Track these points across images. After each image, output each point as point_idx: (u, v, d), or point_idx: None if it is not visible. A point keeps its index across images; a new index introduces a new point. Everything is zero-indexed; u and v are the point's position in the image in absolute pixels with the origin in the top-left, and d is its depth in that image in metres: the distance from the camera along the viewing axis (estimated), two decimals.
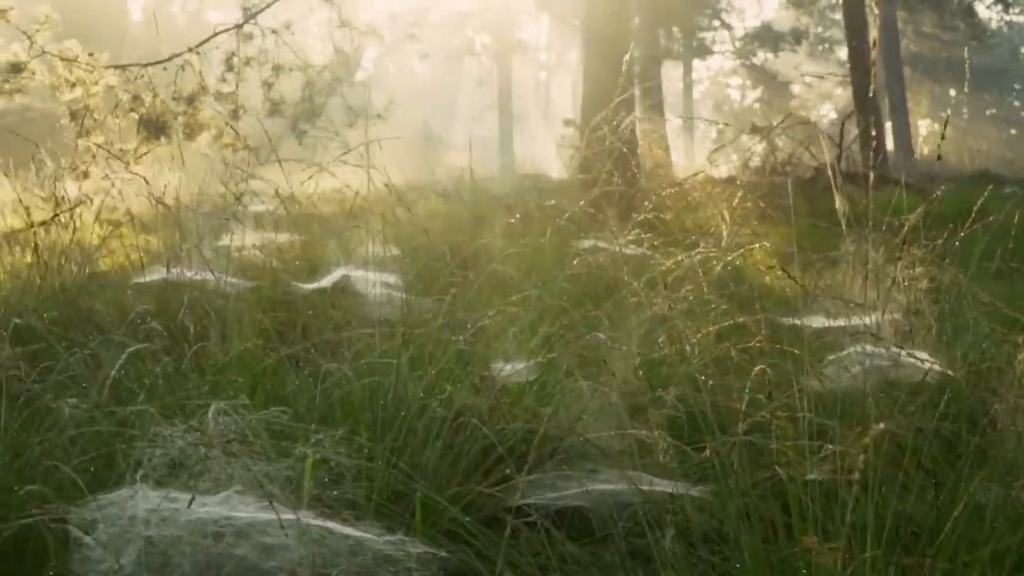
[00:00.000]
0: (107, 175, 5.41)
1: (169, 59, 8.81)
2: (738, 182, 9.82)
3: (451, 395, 1.88)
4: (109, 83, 8.81)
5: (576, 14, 28.81)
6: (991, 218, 2.76)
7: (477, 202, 9.87)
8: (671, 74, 26.85)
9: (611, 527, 1.86)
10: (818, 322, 2.82)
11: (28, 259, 5.73)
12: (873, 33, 16.06)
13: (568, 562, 1.66)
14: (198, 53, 8.83)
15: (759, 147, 13.22)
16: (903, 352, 2.21)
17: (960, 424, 1.91)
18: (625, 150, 9.53)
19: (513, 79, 27.84)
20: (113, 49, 9.32)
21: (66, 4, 9.88)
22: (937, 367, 2.20)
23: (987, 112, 31.37)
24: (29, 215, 4.08)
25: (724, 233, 5.96)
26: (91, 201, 5.08)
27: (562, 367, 2.01)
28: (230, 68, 9.20)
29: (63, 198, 4.77)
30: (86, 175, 8.77)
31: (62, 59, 8.61)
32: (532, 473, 1.96)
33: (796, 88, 30.62)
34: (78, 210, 8.36)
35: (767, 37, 26.75)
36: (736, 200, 5.99)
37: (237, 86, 9.10)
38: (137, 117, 8.81)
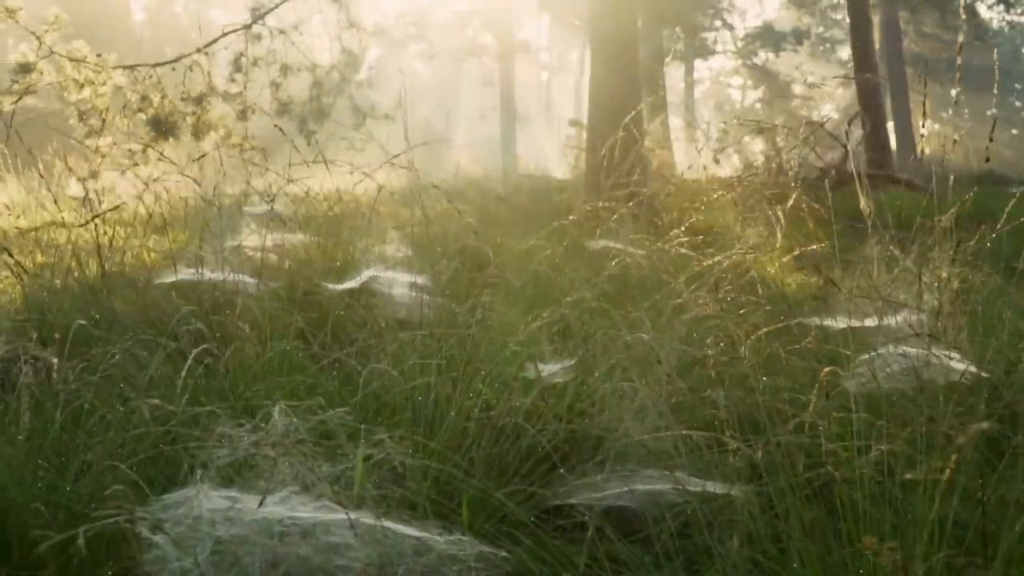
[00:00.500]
0: (157, 177, 5.37)
1: (177, 59, 8.81)
2: (743, 182, 9.81)
3: (500, 397, 1.89)
4: (117, 83, 8.82)
5: (577, 14, 28.84)
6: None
7: (484, 202, 9.89)
8: (672, 74, 26.87)
9: (653, 527, 1.87)
10: (845, 323, 2.82)
11: (40, 259, 5.74)
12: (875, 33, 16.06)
13: (618, 562, 1.67)
14: (206, 54, 8.84)
15: (761, 147, 13.24)
16: (939, 352, 2.22)
17: (1002, 424, 1.92)
18: (632, 151, 9.56)
19: (515, 79, 27.86)
20: (116, 48, 9.32)
21: (68, 3, 9.87)
22: (972, 368, 2.21)
23: (988, 112, 31.36)
24: (62, 214, 4.07)
25: (736, 233, 5.99)
26: (122, 203, 5.07)
27: (604, 367, 2.02)
28: (238, 68, 9.21)
29: (93, 200, 4.76)
30: (95, 175, 8.79)
31: (71, 59, 8.61)
32: (574, 473, 1.97)
33: (797, 88, 30.63)
34: (86, 210, 8.35)
35: (769, 37, 26.75)
36: (748, 201, 6.01)
37: (245, 86, 9.11)
38: (145, 118, 8.81)
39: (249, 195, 8.08)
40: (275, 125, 6.50)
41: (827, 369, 1.54)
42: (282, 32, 9.22)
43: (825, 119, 29.88)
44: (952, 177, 4.71)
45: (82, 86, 8.55)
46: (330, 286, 2.97)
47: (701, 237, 2.85)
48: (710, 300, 1.96)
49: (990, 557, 1.39)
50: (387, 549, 1.30)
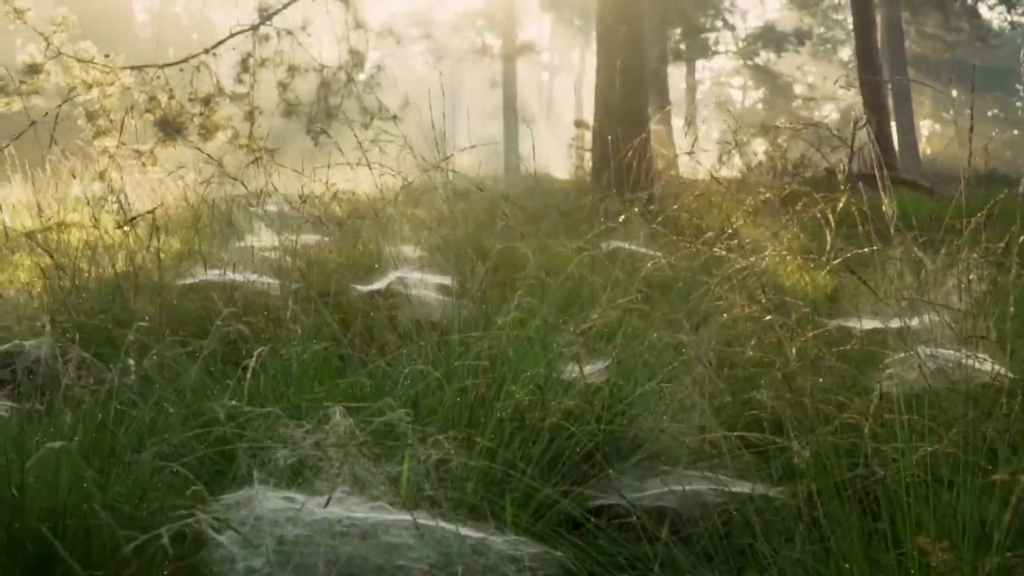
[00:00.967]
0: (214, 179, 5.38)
1: (185, 60, 8.83)
2: (758, 182, 9.83)
3: (540, 397, 1.90)
4: (125, 84, 8.83)
5: (579, 14, 28.86)
6: None
7: (490, 203, 9.86)
8: (672, 74, 26.88)
9: (694, 527, 1.88)
10: (874, 324, 2.83)
11: (48, 259, 5.74)
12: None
13: (663, 563, 1.68)
14: (214, 54, 8.85)
15: (763, 148, 13.26)
16: (971, 354, 2.23)
17: None
18: (639, 152, 9.56)
19: (517, 80, 27.89)
20: (117, 49, 9.32)
21: (69, 4, 9.89)
22: (1003, 369, 2.22)
23: (989, 113, 31.46)
24: (97, 218, 4.08)
25: (745, 235, 5.97)
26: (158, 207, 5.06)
27: (644, 367, 2.03)
28: (245, 69, 9.22)
29: (113, 200, 4.76)
30: (102, 176, 8.80)
31: (78, 60, 8.62)
32: (613, 473, 1.98)
33: (798, 88, 30.68)
34: (94, 210, 8.34)
35: (770, 37, 26.80)
36: (757, 201, 6.00)
37: (252, 87, 9.13)
38: (153, 118, 8.83)
39: (258, 195, 8.08)
40: (311, 131, 6.51)
41: (879, 372, 1.55)
42: (289, 33, 9.23)
43: (825, 118, 29.97)
44: (962, 178, 4.71)
45: (90, 87, 8.56)
46: (358, 287, 2.97)
47: (709, 235, 2.85)
48: (748, 302, 1.97)
49: None
50: (446, 549, 1.32)
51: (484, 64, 30.29)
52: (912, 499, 1.52)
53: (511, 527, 1.70)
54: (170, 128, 8.63)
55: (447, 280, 2.96)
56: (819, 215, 2.51)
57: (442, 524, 1.34)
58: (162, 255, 4.93)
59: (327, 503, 1.33)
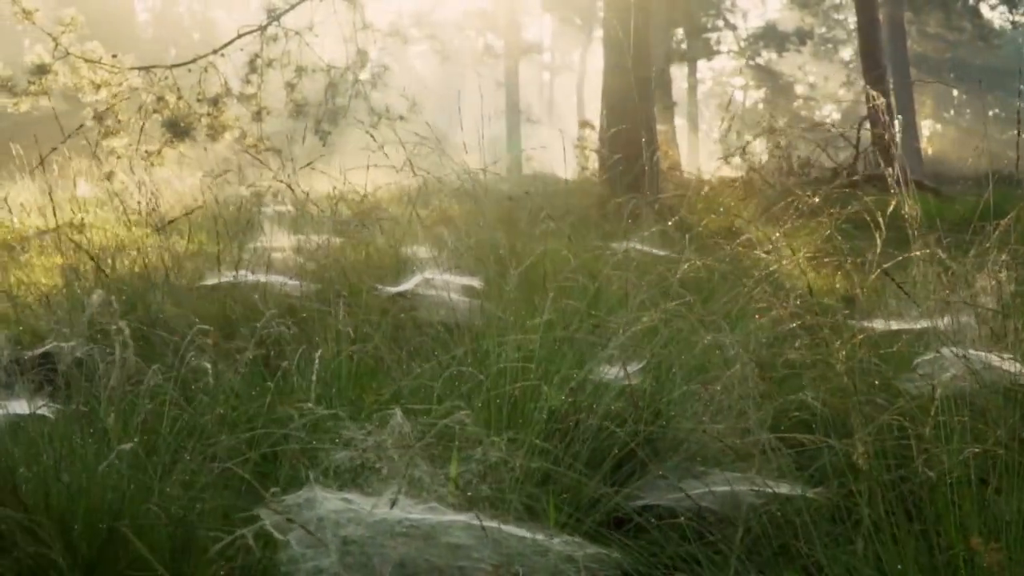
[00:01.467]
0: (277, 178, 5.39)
1: (193, 60, 8.83)
2: (755, 182, 9.85)
3: (580, 399, 1.91)
4: (133, 84, 8.84)
5: (580, 14, 28.88)
6: None
7: (496, 203, 9.86)
8: (674, 74, 26.88)
9: (730, 528, 1.89)
10: (898, 325, 2.84)
11: (58, 260, 5.75)
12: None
13: (699, 563, 1.69)
14: (222, 55, 8.87)
15: (765, 148, 13.26)
16: (1001, 355, 2.24)
17: None
18: (646, 151, 9.58)
19: (519, 80, 27.91)
20: (119, 48, 9.32)
21: (73, 3, 9.90)
22: None
23: (990, 112, 31.47)
24: (129, 221, 4.08)
25: (756, 234, 5.96)
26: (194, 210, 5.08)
27: (683, 368, 2.05)
28: (253, 70, 9.23)
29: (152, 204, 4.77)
30: (110, 176, 8.81)
31: (86, 60, 8.62)
32: (650, 474, 1.99)
33: (799, 88, 30.71)
34: (100, 210, 8.36)
35: (772, 37, 26.82)
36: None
37: (260, 87, 9.14)
38: (161, 119, 8.84)
39: (264, 194, 8.09)
40: (318, 132, 6.51)
41: (912, 372, 1.57)
42: (296, 33, 9.24)
43: (826, 118, 30.00)
44: (963, 178, 4.69)
45: (98, 87, 8.57)
46: (386, 288, 2.98)
47: (744, 237, 2.86)
48: (777, 303, 1.98)
49: None
50: (506, 550, 1.33)
51: (485, 64, 30.33)
52: (959, 500, 1.54)
53: (555, 526, 1.71)
54: (178, 128, 8.64)
55: (474, 282, 2.97)
56: (836, 216, 2.52)
57: (505, 527, 1.35)
58: (182, 256, 4.95)
59: (393, 505, 1.34)
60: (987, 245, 2.46)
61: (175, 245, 5.61)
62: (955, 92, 31.16)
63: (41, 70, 8.38)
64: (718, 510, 1.90)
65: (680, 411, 1.99)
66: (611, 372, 2.13)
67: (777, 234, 4.16)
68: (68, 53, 8.43)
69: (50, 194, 7.17)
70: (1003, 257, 2.55)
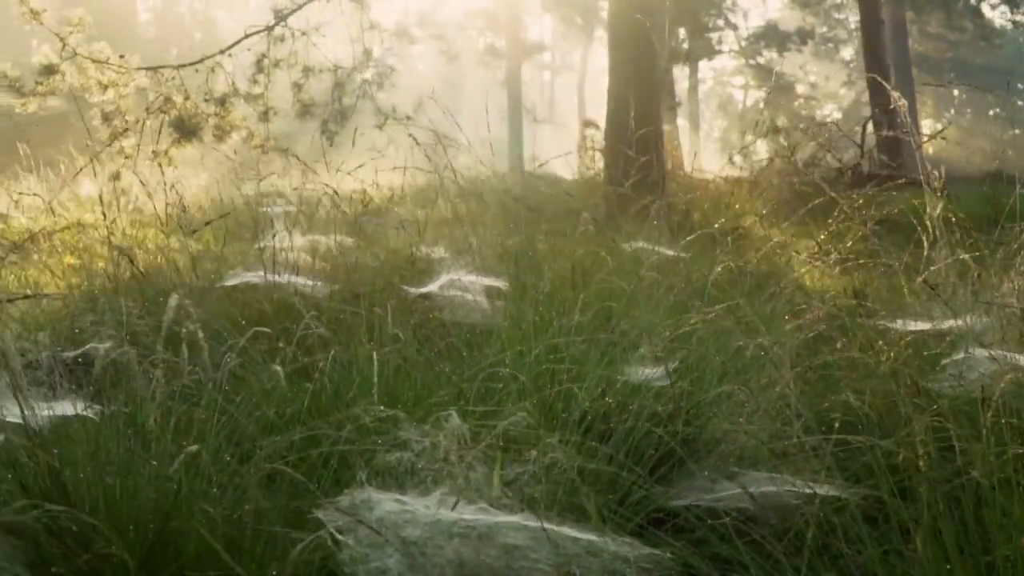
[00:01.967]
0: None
1: (201, 60, 8.84)
2: (760, 182, 9.86)
3: (618, 401, 1.92)
4: (140, 85, 8.85)
5: (581, 14, 28.88)
6: None
7: (500, 203, 9.88)
8: (676, 74, 26.87)
9: (769, 528, 1.90)
10: (920, 326, 2.84)
11: (69, 259, 5.75)
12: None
13: (735, 563, 1.70)
14: (230, 55, 8.87)
15: (771, 147, 13.26)
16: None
17: None
18: (652, 151, 9.58)
19: (521, 80, 27.94)
20: (121, 48, 9.32)
21: (74, 3, 9.88)
22: None
23: (991, 112, 31.53)
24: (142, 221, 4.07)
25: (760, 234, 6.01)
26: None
27: (718, 368, 2.06)
28: (260, 70, 9.24)
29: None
30: (117, 176, 8.82)
31: (94, 61, 8.63)
32: (688, 474, 2.00)
33: (800, 88, 30.71)
34: (107, 210, 8.34)
35: (773, 36, 26.82)
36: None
37: (267, 87, 9.15)
38: (168, 119, 8.84)
39: (271, 194, 8.09)
40: (325, 132, 6.51)
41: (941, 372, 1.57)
42: (303, 34, 9.24)
43: (827, 117, 30.01)
44: (966, 178, 4.69)
45: (105, 88, 8.58)
46: (412, 289, 2.99)
47: (776, 239, 2.88)
48: (819, 304, 2.00)
49: None
50: (562, 550, 1.34)
51: (486, 64, 30.32)
52: (1007, 500, 1.54)
53: (599, 526, 1.72)
54: (185, 128, 8.65)
55: (498, 283, 2.97)
56: (869, 218, 2.53)
57: (557, 527, 1.36)
58: (193, 255, 4.95)
59: (454, 507, 1.35)
60: (1015, 246, 2.47)
61: (188, 245, 5.61)
62: (955, 92, 31.19)
63: (48, 70, 8.39)
64: (755, 510, 1.90)
65: (717, 412, 2.00)
66: (646, 373, 2.14)
67: (795, 236, 4.18)
68: (76, 54, 8.44)
69: (57, 195, 7.17)
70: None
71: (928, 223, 2.90)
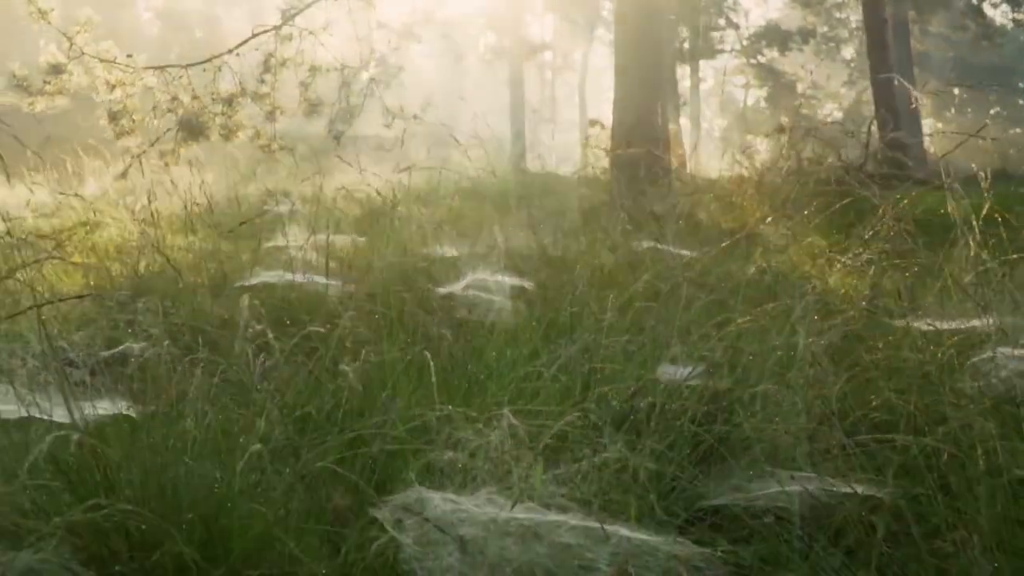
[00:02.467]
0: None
1: (208, 60, 8.83)
2: (765, 182, 9.85)
3: (656, 400, 1.93)
4: (147, 84, 8.85)
5: (582, 13, 28.88)
6: None
7: (503, 201, 9.89)
8: (678, 73, 26.86)
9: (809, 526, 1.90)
10: (944, 325, 2.84)
11: (77, 259, 5.73)
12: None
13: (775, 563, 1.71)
14: (237, 54, 8.86)
15: (773, 147, 13.24)
16: None
17: None
18: (658, 152, 9.58)
19: (523, 79, 27.93)
20: (125, 47, 9.31)
21: (82, 1, 9.88)
22: None
23: (992, 111, 31.53)
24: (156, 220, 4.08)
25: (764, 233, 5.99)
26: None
27: (755, 368, 2.06)
28: (267, 69, 9.23)
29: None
30: (125, 175, 8.82)
31: (101, 60, 8.62)
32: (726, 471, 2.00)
33: (801, 87, 30.69)
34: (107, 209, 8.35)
35: (775, 36, 26.83)
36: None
37: (274, 87, 9.14)
38: (176, 118, 8.85)
39: (277, 193, 8.09)
40: (331, 131, 6.52)
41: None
42: (310, 33, 9.24)
43: (828, 116, 30.01)
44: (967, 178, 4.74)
45: (113, 87, 8.58)
46: (438, 289, 2.99)
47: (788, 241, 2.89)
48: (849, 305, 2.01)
49: None
50: (618, 550, 1.34)
51: (487, 63, 30.32)
52: None
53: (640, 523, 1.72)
54: (192, 128, 8.65)
55: (524, 283, 2.98)
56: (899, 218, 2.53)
57: (610, 527, 1.36)
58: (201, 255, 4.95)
59: (513, 506, 1.36)
60: None
61: (193, 244, 5.61)
62: (956, 91, 31.18)
63: (56, 70, 8.39)
64: (797, 508, 1.91)
65: (756, 410, 2.01)
66: (683, 372, 2.15)
67: (814, 235, 4.17)
68: (83, 53, 8.43)
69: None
70: None
71: (963, 221, 2.90)
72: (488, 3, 28.51)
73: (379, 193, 7.53)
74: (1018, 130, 30.72)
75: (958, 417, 1.81)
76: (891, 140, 12.77)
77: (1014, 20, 27.27)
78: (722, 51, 26.76)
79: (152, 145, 8.47)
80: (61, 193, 6.18)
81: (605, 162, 11.28)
